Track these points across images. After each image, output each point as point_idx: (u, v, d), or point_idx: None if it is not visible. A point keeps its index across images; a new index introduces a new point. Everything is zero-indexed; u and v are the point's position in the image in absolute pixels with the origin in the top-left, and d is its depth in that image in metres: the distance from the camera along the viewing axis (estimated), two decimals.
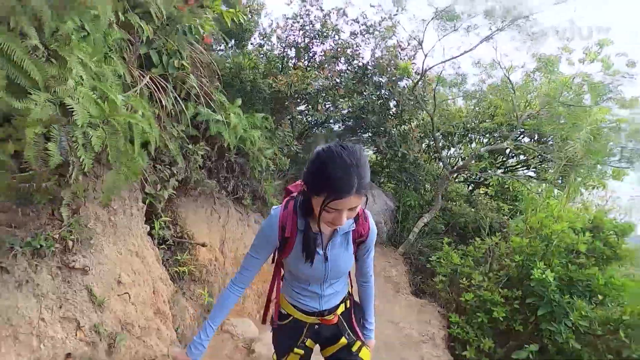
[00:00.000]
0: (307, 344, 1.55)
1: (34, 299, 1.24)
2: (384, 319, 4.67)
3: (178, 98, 2.86)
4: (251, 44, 7.01)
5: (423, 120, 7.05)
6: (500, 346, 4.42)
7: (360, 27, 6.64)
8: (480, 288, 4.59)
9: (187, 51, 2.85)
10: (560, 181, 7.33)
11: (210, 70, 3.44)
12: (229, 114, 3.28)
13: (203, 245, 3.22)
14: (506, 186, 7.41)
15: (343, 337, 1.55)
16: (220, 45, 6.12)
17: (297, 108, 6.42)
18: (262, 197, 4.51)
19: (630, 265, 4.41)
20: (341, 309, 1.57)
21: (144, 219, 2.47)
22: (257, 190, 4.33)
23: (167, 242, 2.90)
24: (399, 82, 6.26)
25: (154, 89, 2.52)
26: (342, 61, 6.83)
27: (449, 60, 6.49)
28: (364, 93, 6.24)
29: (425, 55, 6.14)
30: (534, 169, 7.81)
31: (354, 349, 1.55)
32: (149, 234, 2.67)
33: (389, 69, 6.41)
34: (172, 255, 3.01)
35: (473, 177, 8.06)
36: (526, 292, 4.22)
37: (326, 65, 6.26)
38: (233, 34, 6.11)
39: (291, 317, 1.54)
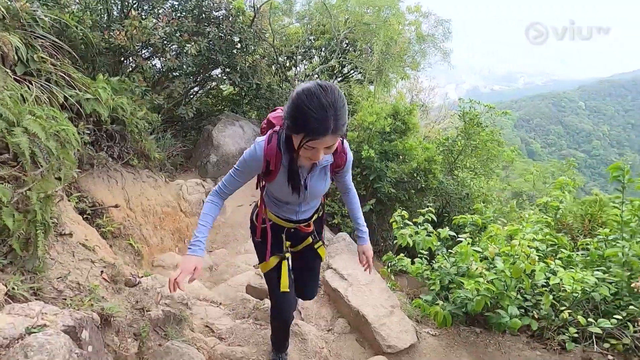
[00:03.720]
0: (285, 245, 1.81)
1: (61, 254, 1.96)
2: None
3: (43, 87, 3.12)
4: None
5: (267, 49, 7.85)
6: None
7: None
8: None
9: (39, 41, 3.04)
10: (381, 80, 9.48)
11: (58, 49, 3.57)
12: (97, 90, 3.62)
13: (116, 206, 3.82)
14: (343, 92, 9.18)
15: (309, 237, 1.86)
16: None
17: (144, 59, 6.43)
18: (145, 155, 5.00)
19: (417, 133, 6.74)
20: (314, 218, 1.82)
21: None
22: (139, 149, 4.80)
23: (87, 213, 3.44)
24: (237, 19, 6.78)
25: (27, 87, 2.81)
26: None
27: None
28: (207, 31, 6.57)
29: None
30: (360, 73, 9.75)
31: (316, 246, 1.88)
32: None
33: (223, 4, 6.81)
34: (92, 222, 3.57)
35: None
36: (362, 167, 6.17)
37: (161, 10, 6.28)
38: None
39: (271, 222, 1.75)
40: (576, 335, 2.50)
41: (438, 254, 2.95)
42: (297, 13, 9.66)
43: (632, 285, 2.38)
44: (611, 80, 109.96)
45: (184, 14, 6.70)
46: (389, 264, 3.66)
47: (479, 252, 2.76)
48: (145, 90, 5.71)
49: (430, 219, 2.94)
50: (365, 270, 1.94)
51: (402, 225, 2.93)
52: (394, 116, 6.25)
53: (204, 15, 6.83)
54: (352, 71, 10.33)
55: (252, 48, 7.42)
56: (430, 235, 2.86)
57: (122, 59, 6.35)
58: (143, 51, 6.55)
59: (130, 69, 6.49)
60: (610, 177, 2.84)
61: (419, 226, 2.93)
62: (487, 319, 2.69)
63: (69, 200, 3.18)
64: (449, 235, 2.96)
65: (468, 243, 2.76)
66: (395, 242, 3.14)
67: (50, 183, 1.68)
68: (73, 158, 2.33)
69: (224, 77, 7.77)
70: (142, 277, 2.51)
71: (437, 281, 2.96)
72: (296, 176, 1.47)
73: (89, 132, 3.65)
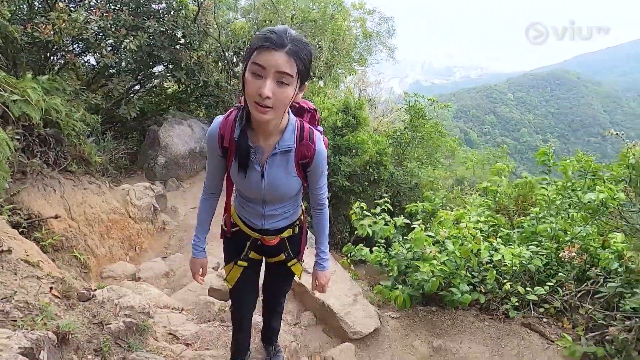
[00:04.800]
0: (250, 255, 1.61)
1: (2, 273, 1.76)
2: None
3: None
4: None
5: (213, 45, 7.58)
6: None
7: None
8: None
9: None
10: (330, 75, 9.62)
11: None
12: (26, 90, 3.29)
13: (55, 217, 3.52)
14: None
15: (282, 254, 1.62)
16: None
17: (76, 55, 5.90)
18: (85, 159, 4.63)
19: (367, 127, 6.99)
20: (287, 233, 1.57)
21: None
22: (78, 154, 4.43)
23: (23, 226, 3.13)
24: (179, 13, 6.46)
25: None
26: None
27: None
28: (146, 25, 6.18)
29: None
30: None
31: (289, 264, 1.65)
32: None
33: None
34: (29, 235, 3.26)
35: None
36: None
37: (93, 2, 5.80)
38: None
39: (238, 227, 1.58)
40: (517, 303, 2.81)
41: (394, 242, 3.12)
42: (242, 8, 9.44)
43: (560, 255, 2.73)
44: (533, 73, 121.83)
45: (120, 6, 6.25)
46: (349, 255, 3.79)
47: (431, 236, 2.97)
48: (80, 89, 5.27)
49: (386, 208, 3.10)
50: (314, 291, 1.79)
51: (361, 216, 3.05)
52: (345, 111, 6.41)
53: (142, 8, 6.43)
54: None
55: (197, 44, 7.13)
56: (387, 224, 3.02)
57: (49, 55, 5.78)
58: (74, 46, 6.03)
59: (59, 66, 5.93)
60: (538, 161, 3.21)
61: (377, 216, 3.08)
62: (442, 298, 2.92)
63: (0, 214, 2.87)
64: (404, 222, 3.15)
65: (421, 229, 2.96)
66: (355, 232, 3.28)
67: None
68: (6, 167, 2.12)
69: (168, 74, 7.39)
70: (96, 289, 2.36)
71: (395, 267, 3.13)
72: (245, 150, 1.30)
73: (18, 137, 3.30)
